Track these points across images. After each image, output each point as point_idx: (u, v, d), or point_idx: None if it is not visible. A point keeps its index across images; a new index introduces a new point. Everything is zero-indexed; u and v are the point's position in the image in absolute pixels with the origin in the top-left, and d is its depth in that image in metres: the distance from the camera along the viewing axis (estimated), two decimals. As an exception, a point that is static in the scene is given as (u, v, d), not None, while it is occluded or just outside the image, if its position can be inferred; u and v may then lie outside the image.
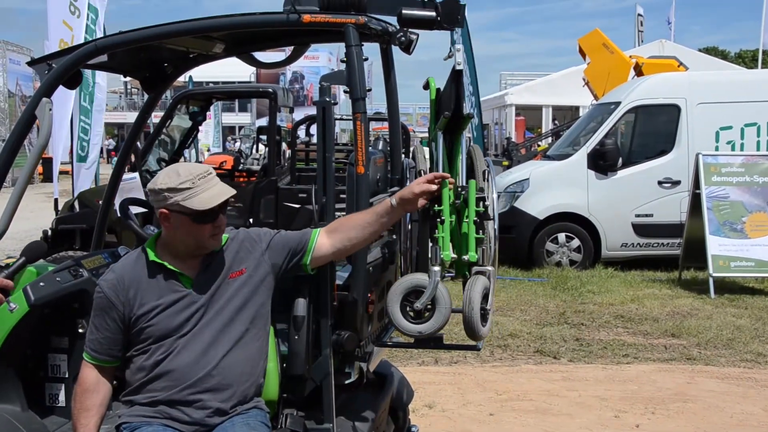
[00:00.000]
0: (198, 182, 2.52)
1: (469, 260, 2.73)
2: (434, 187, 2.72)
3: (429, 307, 2.74)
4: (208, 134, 32.66)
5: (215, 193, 2.54)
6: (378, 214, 2.67)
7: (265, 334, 2.70)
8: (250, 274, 2.67)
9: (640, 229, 9.81)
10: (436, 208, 2.75)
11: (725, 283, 8.73)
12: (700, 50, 30.37)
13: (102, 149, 11.85)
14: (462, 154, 3.11)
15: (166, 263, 2.61)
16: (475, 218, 2.74)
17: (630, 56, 15.98)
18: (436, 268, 2.67)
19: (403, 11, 2.69)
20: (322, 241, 2.68)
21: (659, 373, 5.75)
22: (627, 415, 4.86)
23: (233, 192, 2.59)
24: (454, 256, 2.74)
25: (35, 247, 3.00)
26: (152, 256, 2.61)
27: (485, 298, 2.72)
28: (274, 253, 2.69)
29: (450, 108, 2.95)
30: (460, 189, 2.77)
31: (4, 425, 2.83)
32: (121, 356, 2.61)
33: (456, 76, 2.89)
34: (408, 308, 2.74)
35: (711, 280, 8.33)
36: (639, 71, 14.55)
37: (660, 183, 9.79)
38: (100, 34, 10.17)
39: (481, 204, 2.76)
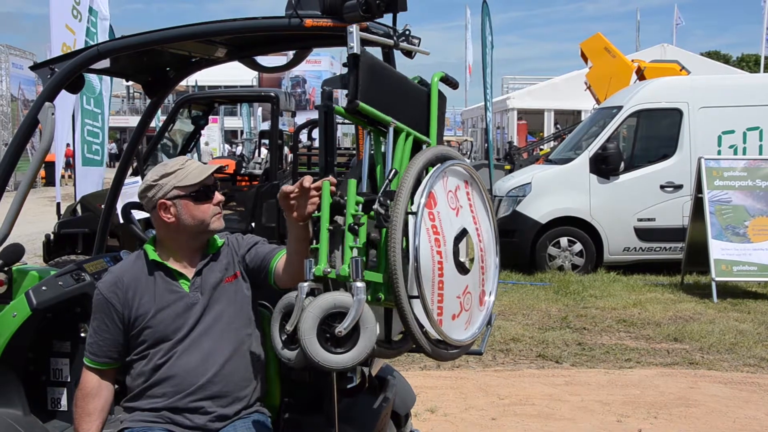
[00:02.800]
0: (186, 164, 2.64)
1: (340, 274, 2.25)
2: (291, 188, 2.37)
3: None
4: (212, 138, 32.77)
5: (204, 168, 2.67)
6: (289, 231, 2.48)
7: (262, 337, 2.71)
8: (241, 278, 2.69)
9: (643, 234, 9.81)
10: (315, 214, 2.37)
11: (728, 287, 8.72)
12: (702, 54, 30.39)
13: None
14: (388, 153, 2.57)
15: (166, 263, 2.63)
16: (353, 224, 2.28)
17: (632, 60, 16.00)
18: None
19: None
20: (281, 263, 2.61)
21: (662, 377, 5.74)
22: (629, 419, 4.85)
23: (217, 166, 2.73)
24: (328, 269, 2.27)
25: (13, 250, 3.00)
26: (152, 255, 2.63)
27: (332, 319, 2.20)
28: (246, 264, 2.71)
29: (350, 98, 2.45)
30: (338, 193, 2.35)
31: (7, 429, 2.83)
32: (121, 358, 2.62)
33: (352, 60, 2.43)
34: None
35: (713, 285, 8.31)
36: (641, 75, 14.56)
37: (662, 187, 9.79)
38: (102, 37, 10.19)
39: (360, 207, 2.31)
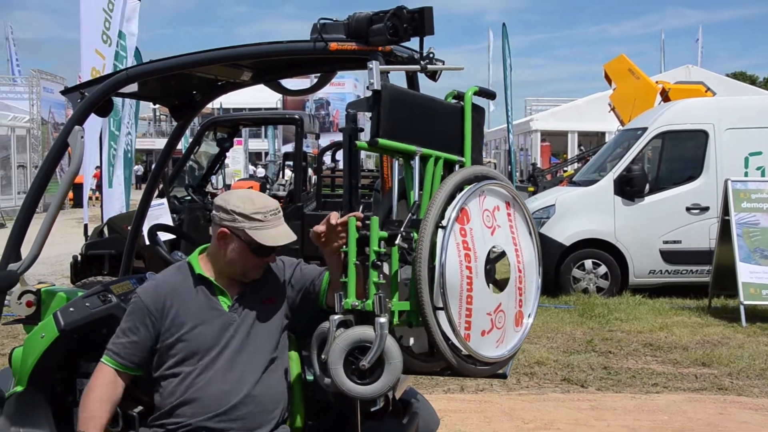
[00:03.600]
0: (269, 217, 2.60)
1: (365, 309, 2.40)
2: (321, 228, 2.52)
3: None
4: (236, 160, 33.05)
5: (282, 233, 2.62)
6: (328, 261, 2.61)
7: (288, 361, 2.73)
8: (279, 301, 2.71)
9: (668, 256, 9.70)
10: (343, 249, 2.49)
11: (757, 311, 8.58)
12: (727, 75, 30.18)
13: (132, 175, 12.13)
14: (414, 185, 2.62)
15: (210, 278, 2.65)
16: (376, 260, 2.39)
17: (656, 82, 15.93)
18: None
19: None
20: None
21: (690, 403, 5.65)
22: (657, 445, 4.78)
23: (295, 237, 2.66)
24: (356, 303, 2.42)
25: (5, 276, 2.98)
26: (198, 269, 2.66)
27: (361, 351, 2.36)
28: (292, 287, 2.74)
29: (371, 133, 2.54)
30: (361, 227, 2.46)
31: None
32: (140, 367, 2.63)
33: (374, 96, 2.50)
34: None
35: (742, 308, 8.18)
36: (665, 97, 14.48)
37: (688, 209, 9.69)
38: (131, 60, 10.36)
39: (381, 244, 2.41)
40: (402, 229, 2.44)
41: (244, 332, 2.62)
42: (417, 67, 2.66)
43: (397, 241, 2.42)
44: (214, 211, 2.65)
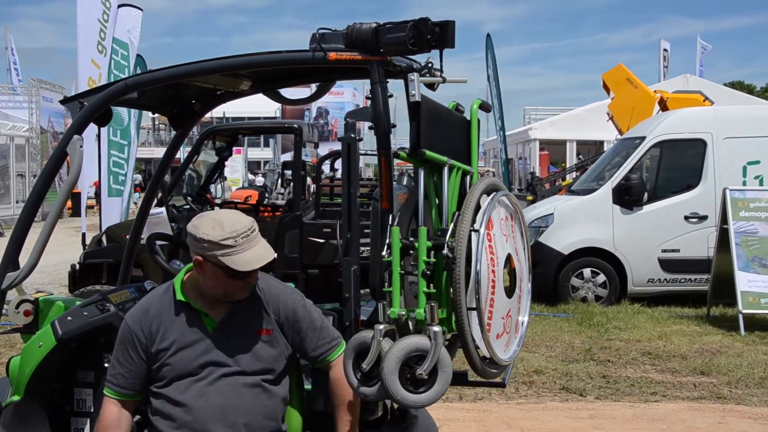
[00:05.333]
0: (240, 241, 2.49)
1: (416, 318, 2.45)
2: None
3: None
4: (235, 169, 33.07)
5: (256, 255, 2.52)
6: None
7: (286, 383, 2.68)
8: (276, 336, 2.64)
9: (667, 265, 9.70)
10: (386, 258, 2.51)
11: (755, 319, 8.57)
12: (725, 84, 30.25)
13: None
14: (444, 193, 2.70)
15: (191, 302, 2.60)
16: (426, 270, 2.45)
17: (654, 91, 15.96)
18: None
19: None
20: (336, 366, 2.64)
21: (689, 411, 5.64)
22: (656, 454, 4.77)
23: (273, 256, 2.57)
24: (402, 312, 2.46)
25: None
26: (179, 295, 2.61)
27: (418, 360, 2.40)
28: (293, 332, 2.66)
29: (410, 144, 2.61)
30: (410, 238, 2.51)
31: None
32: (143, 390, 2.61)
33: (413, 108, 2.55)
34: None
35: (741, 317, 8.18)
36: (664, 106, 14.50)
37: (686, 218, 9.70)
38: (132, 69, 10.42)
39: (432, 254, 2.46)
40: (448, 240, 2.50)
41: (231, 359, 2.56)
42: (440, 79, 2.66)
43: (444, 251, 2.46)
44: (187, 238, 2.56)
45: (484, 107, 3.06)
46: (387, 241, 2.55)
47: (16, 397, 2.95)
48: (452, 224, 2.57)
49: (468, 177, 2.88)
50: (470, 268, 2.51)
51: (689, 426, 5.29)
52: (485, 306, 2.55)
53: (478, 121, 3.04)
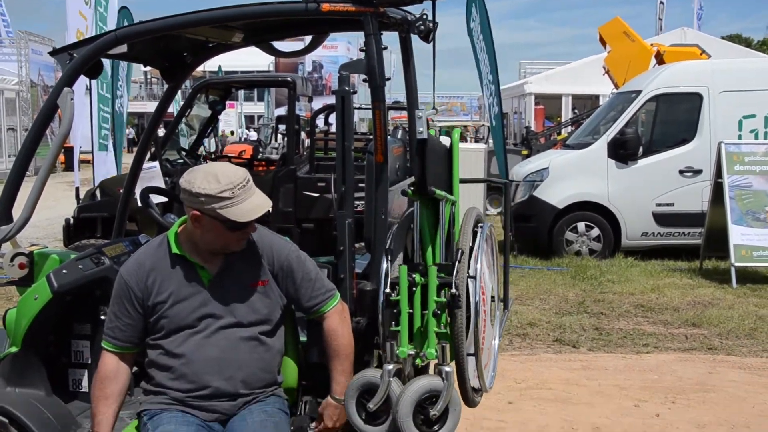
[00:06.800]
0: (237, 192, 2.48)
1: (427, 357, 2.47)
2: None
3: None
4: (229, 123, 32.85)
5: (254, 205, 2.51)
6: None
7: (281, 334, 2.70)
8: (270, 287, 2.65)
9: (661, 219, 9.74)
10: (393, 297, 2.51)
11: (747, 272, 8.65)
12: (723, 38, 29.96)
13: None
14: (441, 227, 2.71)
15: (187, 255, 2.60)
16: (437, 310, 2.46)
17: (651, 44, 15.81)
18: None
19: None
20: (330, 317, 2.64)
21: (680, 362, 5.72)
22: (647, 404, 4.85)
23: (270, 205, 2.57)
24: (412, 352, 2.48)
25: None
26: (174, 249, 2.61)
27: (432, 401, 2.42)
28: (287, 283, 2.66)
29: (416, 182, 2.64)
30: (419, 275, 2.51)
31: (30, 409, 2.88)
32: (141, 343, 2.63)
33: (420, 145, 2.55)
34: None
35: (733, 270, 8.25)
36: (660, 59, 14.39)
37: (681, 172, 9.71)
38: (111, 18, 10.28)
39: (443, 293, 2.47)
40: (455, 279, 2.50)
41: (227, 311, 2.57)
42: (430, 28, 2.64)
43: (452, 290, 2.48)
44: (181, 194, 2.54)
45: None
46: (392, 278, 2.56)
47: (13, 349, 2.97)
48: (456, 263, 2.56)
49: (451, 206, 2.87)
50: (469, 313, 2.54)
51: (680, 376, 5.38)
52: (482, 347, 2.61)
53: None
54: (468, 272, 2.54)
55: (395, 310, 2.48)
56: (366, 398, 2.48)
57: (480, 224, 2.84)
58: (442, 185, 2.76)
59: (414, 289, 2.51)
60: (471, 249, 2.63)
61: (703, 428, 4.48)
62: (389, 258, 2.61)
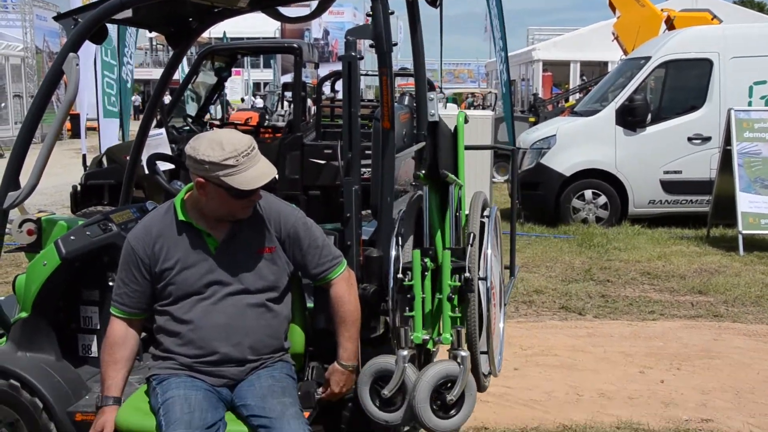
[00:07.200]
0: (242, 160, 2.47)
1: (442, 342, 2.47)
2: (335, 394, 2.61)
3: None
4: (235, 90, 32.70)
5: (259, 173, 2.50)
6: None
7: (288, 301, 2.71)
8: (278, 254, 2.65)
9: (669, 186, 9.70)
10: (407, 282, 2.50)
11: (755, 240, 8.63)
12: (735, 2, 29.55)
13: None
14: (451, 211, 2.72)
15: (193, 222, 2.61)
16: (451, 294, 2.46)
17: (661, 9, 15.62)
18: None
19: None
20: (336, 284, 2.64)
21: (685, 329, 5.74)
22: (652, 371, 4.87)
23: (275, 173, 2.56)
24: (427, 337, 2.48)
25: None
26: (181, 215, 2.61)
27: (447, 386, 2.43)
28: (294, 249, 2.66)
29: (426, 165, 2.63)
30: (429, 259, 2.50)
31: (41, 373, 2.92)
32: (149, 309, 2.65)
33: (432, 128, 2.55)
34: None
35: (740, 238, 8.23)
36: (670, 25, 14.23)
37: (690, 139, 9.64)
38: None
39: (457, 277, 2.46)
40: (468, 263, 2.50)
41: (234, 278, 2.58)
42: None
43: (465, 273, 2.47)
44: (186, 161, 2.54)
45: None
46: (403, 262, 2.54)
47: (23, 314, 3.00)
48: (469, 246, 2.55)
49: (456, 188, 2.87)
50: (481, 309, 2.55)
51: (685, 343, 5.40)
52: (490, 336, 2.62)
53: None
54: (478, 273, 2.55)
55: (408, 295, 2.48)
56: (380, 384, 2.49)
57: (485, 211, 2.86)
58: (449, 168, 2.75)
59: (426, 273, 2.51)
60: (481, 235, 2.65)
61: (708, 394, 4.50)
62: (399, 243, 2.60)
